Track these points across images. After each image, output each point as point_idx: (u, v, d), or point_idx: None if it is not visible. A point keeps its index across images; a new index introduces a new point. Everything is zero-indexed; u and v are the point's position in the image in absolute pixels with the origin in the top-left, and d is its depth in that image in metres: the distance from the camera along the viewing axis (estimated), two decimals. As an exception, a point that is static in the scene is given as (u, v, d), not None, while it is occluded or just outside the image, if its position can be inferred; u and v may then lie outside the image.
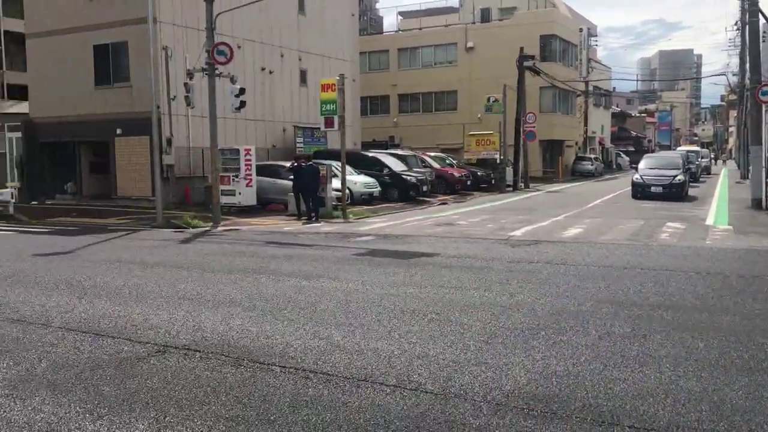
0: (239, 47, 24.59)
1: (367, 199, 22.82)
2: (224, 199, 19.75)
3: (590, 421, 4.23)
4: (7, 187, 22.09)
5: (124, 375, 5.31)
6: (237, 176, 20.55)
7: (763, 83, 21.60)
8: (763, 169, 21.16)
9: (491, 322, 6.78)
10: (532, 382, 4.98)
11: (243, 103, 18.59)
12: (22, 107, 28.70)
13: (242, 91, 18.45)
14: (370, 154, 26.91)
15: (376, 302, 7.82)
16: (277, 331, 6.54)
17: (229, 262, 11.41)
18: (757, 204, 20.29)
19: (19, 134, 26.67)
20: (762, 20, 23.91)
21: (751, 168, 22.09)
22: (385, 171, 24.86)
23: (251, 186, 20.83)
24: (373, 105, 47.06)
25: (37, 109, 26.02)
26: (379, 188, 23.62)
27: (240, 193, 20.64)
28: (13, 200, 21.11)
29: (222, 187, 19.36)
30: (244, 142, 23.98)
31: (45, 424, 4.35)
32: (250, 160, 20.72)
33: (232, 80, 18.32)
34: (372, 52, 47.19)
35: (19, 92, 34.13)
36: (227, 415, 4.45)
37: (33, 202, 25.15)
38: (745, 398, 4.57)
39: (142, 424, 4.33)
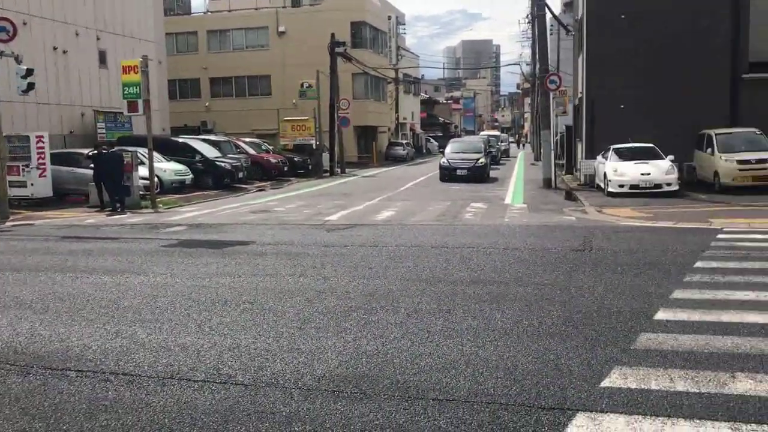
0: (25, 24, 22.38)
1: (179, 188, 21.91)
2: (13, 192, 17.98)
3: (397, 398, 4.36)
4: None
5: None
6: (28, 166, 18.72)
7: (550, 73, 23.66)
8: (552, 151, 23.26)
9: (305, 308, 6.78)
10: (343, 364, 5.04)
11: (31, 85, 16.96)
12: None
13: (30, 72, 16.83)
14: (181, 140, 25.83)
15: (185, 295, 7.51)
16: (74, 333, 6.04)
17: (18, 260, 10.37)
18: (548, 183, 22.26)
19: None
20: (549, 14, 26.15)
21: (542, 151, 24.17)
22: (198, 158, 24.01)
23: (45, 176, 19.08)
24: (183, 89, 45.20)
25: None
26: (191, 176, 22.76)
27: (32, 185, 18.84)
28: None
29: (10, 178, 17.61)
30: (35, 129, 21.85)
31: None
32: (43, 147, 18.94)
33: (17, 60, 16.62)
34: (179, 33, 45.22)
35: None
36: (11, 430, 4.02)
37: None
38: (535, 362, 4.97)
39: None
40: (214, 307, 6.91)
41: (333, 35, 34.25)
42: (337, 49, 33.71)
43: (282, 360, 5.17)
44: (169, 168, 22.03)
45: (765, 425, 3.82)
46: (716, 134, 18.70)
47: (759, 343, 5.26)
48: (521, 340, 5.50)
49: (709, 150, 18.65)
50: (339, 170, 34.10)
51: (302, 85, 35.38)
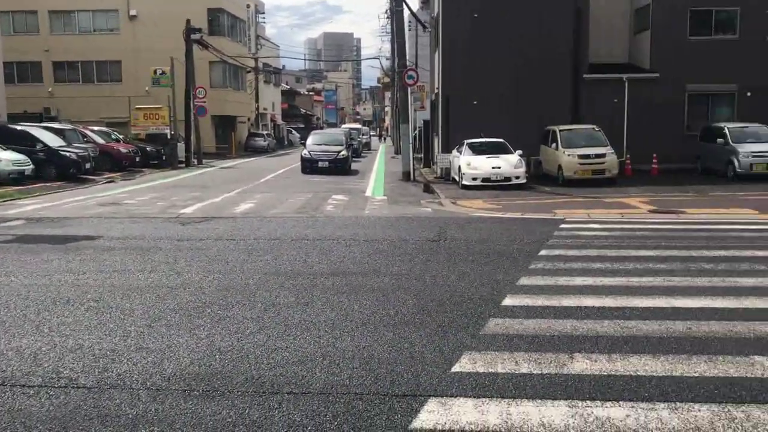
0: None
1: (18, 179, 20.28)
2: None
3: (252, 393, 4.28)
4: None
5: None
6: None
7: (408, 68, 24.20)
8: (411, 145, 23.82)
9: (156, 305, 6.48)
10: (195, 362, 4.87)
11: None
12: None
13: None
14: (19, 128, 23.85)
15: (23, 295, 6.94)
16: None
17: None
18: (407, 176, 22.76)
19: None
20: (407, 10, 26.70)
21: (402, 144, 24.68)
22: (39, 146, 22.32)
23: None
24: (22, 72, 41.73)
25: None
26: (32, 166, 21.11)
27: None
28: None
29: None
30: None
31: None
32: None
33: None
34: (16, 11, 41.72)
35: None
36: None
37: None
38: (389, 351, 5.06)
39: None
40: (55, 307, 6.44)
41: (188, 21, 33.01)
42: (193, 36, 32.53)
43: (129, 360, 4.91)
44: (5, 157, 20.33)
45: (598, 401, 4.12)
46: (560, 130, 19.97)
47: (595, 325, 5.67)
48: (377, 330, 5.58)
49: (554, 145, 19.89)
50: (196, 161, 32.97)
51: (155, 72, 33.79)
